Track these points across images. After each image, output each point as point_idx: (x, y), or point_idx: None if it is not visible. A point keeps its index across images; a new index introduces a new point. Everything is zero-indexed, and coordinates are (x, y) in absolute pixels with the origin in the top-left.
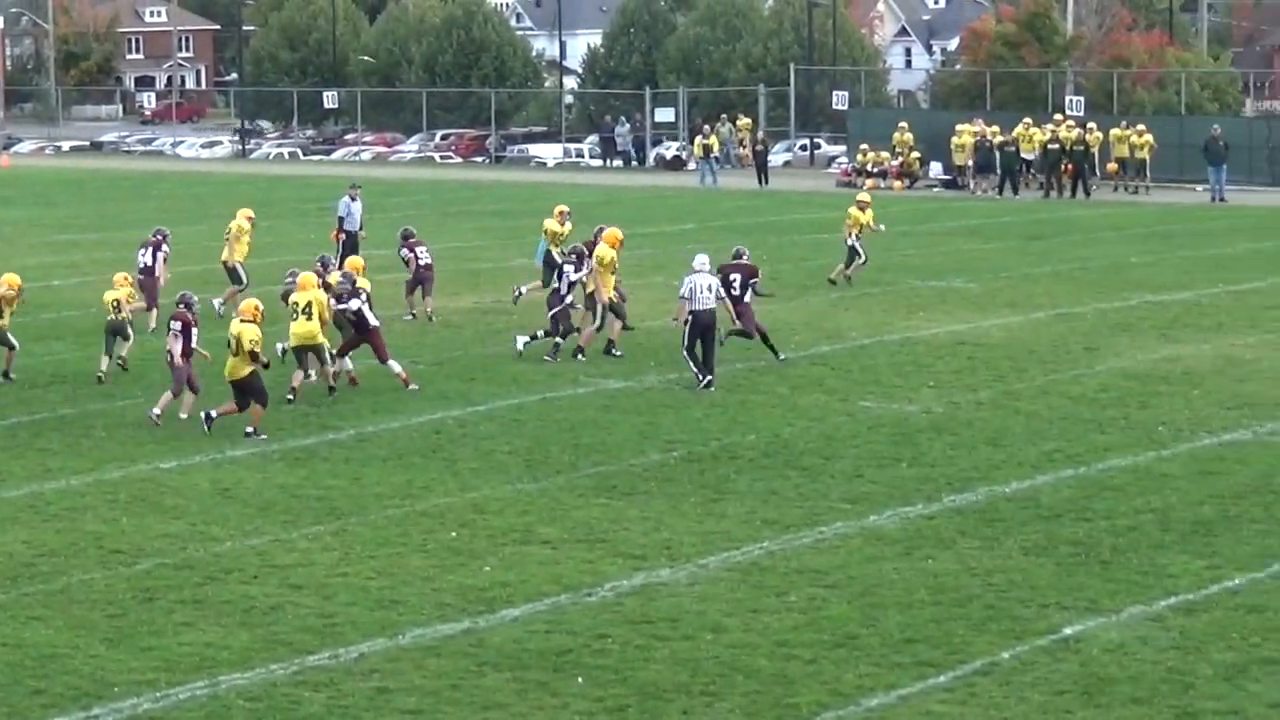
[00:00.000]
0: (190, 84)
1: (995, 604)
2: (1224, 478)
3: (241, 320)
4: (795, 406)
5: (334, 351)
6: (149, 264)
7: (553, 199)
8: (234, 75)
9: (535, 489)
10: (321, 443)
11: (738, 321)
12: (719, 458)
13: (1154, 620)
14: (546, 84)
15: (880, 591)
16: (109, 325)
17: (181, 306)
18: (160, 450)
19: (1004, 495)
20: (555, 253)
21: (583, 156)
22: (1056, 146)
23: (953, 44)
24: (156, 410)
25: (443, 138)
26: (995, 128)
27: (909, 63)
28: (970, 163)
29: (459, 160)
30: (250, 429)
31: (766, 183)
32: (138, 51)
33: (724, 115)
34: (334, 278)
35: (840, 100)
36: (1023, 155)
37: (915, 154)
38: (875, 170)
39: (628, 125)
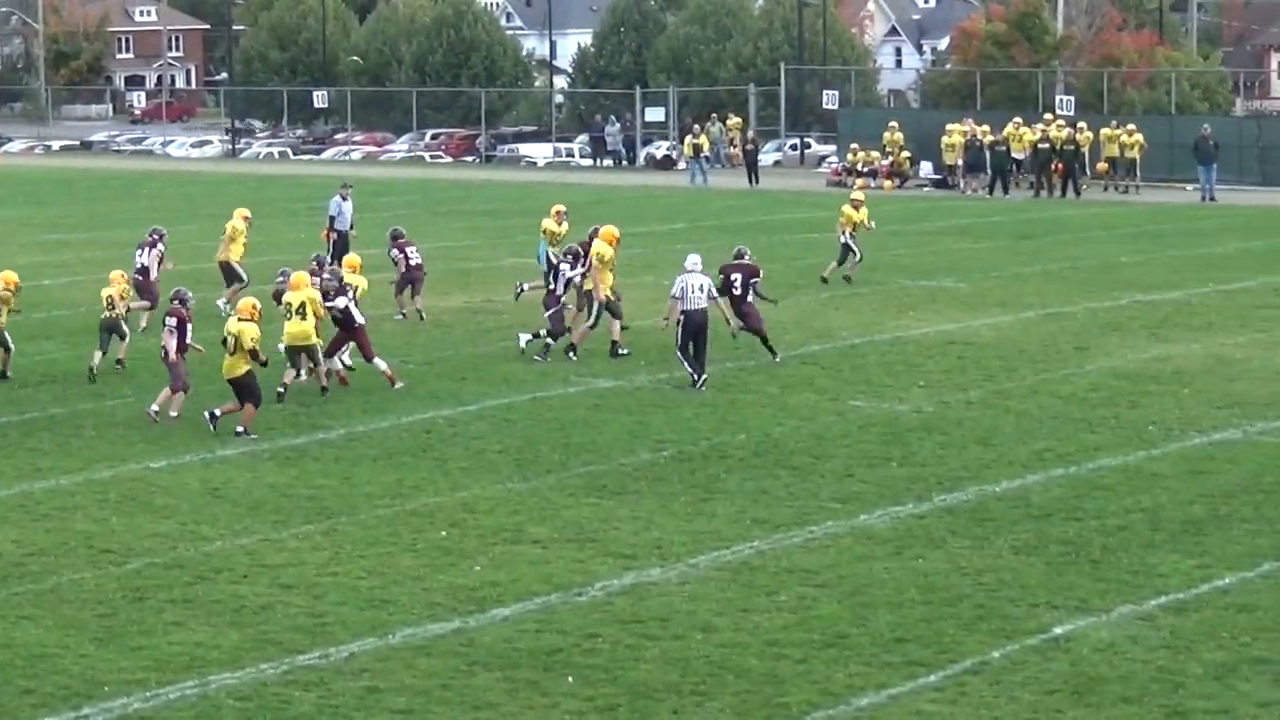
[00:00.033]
0: (180, 83)
1: (986, 603)
2: (1214, 477)
3: (240, 319)
4: (785, 406)
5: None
6: (145, 264)
7: (543, 198)
8: (224, 75)
9: (526, 488)
10: (312, 442)
11: (741, 322)
12: (709, 457)
13: (1144, 619)
14: (537, 83)
15: (870, 591)
16: (103, 322)
17: (176, 303)
18: (150, 450)
19: (994, 494)
20: (552, 253)
21: (573, 156)
22: (1047, 146)
23: (943, 43)
24: (154, 407)
25: (433, 137)
26: (985, 127)
27: (899, 62)
28: (960, 162)
29: (449, 160)
30: (240, 428)
31: (757, 182)
32: (128, 51)
33: (714, 115)
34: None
35: (830, 100)
36: (1013, 155)
37: (905, 153)
38: (865, 170)
39: (618, 125)
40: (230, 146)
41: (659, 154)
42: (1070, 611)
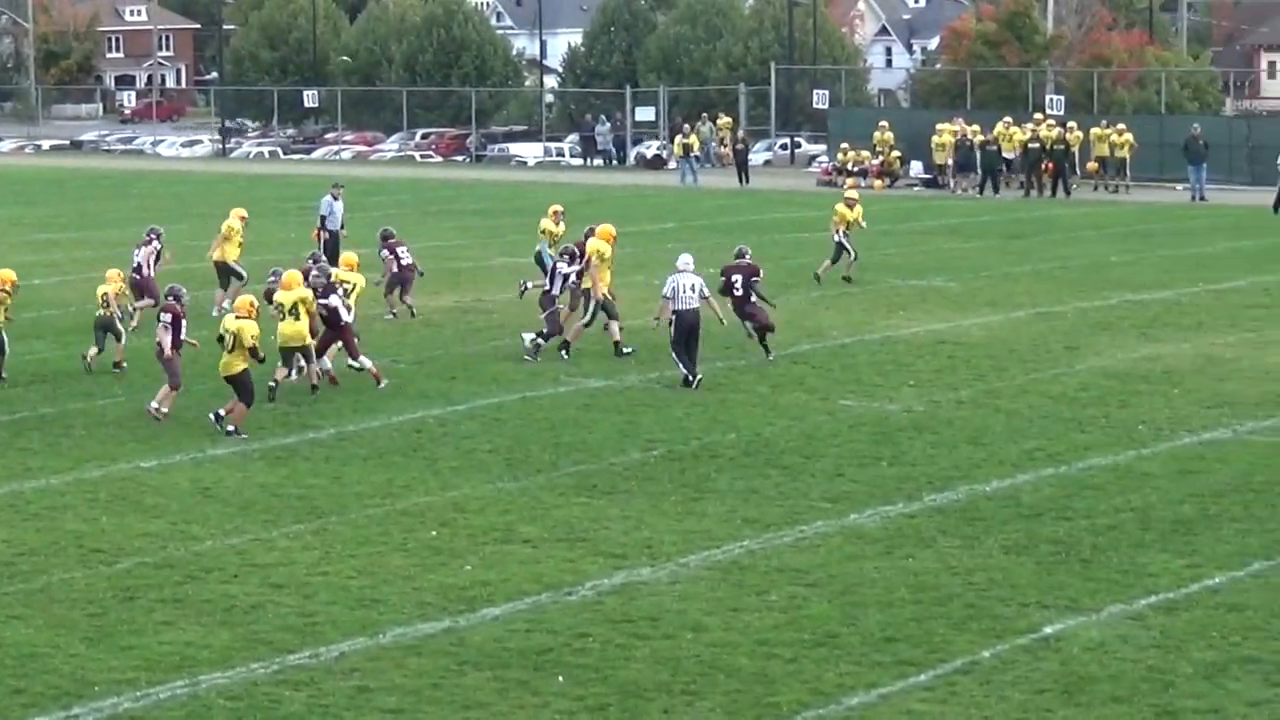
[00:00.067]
0: (170, 83)
1: (976, 603)
2: (1204, 476)
3: (238, 317)
4: (776, 405)
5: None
6: (139, 262)
7: (533, 198)
8: (214, 74)
9: (516, 488)
10: (302, 441)
11: (751, 320)
12: (699, 456)
13: (1134, 619)
14: (527, 83)
15: (861, 590)
16: (98, 320)
17: (171, 299)
18: (140, 449)
19: (984, 494)
20: (548, 253)
21: (563, 155)
22: (1037, 145)
23: (933, 43)
24: (155, 404)
25: (423, 137)
26: (975, 127)
27: (889, 62)
28: (950, 162)
29: (439, 159)
30: (231, 428)
31: (747, 182)
32: (118, 50)
33: (704, 114)
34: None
35: (821, 99)
36: (1003, 155)
37: (896, 153)
38: (856, 169)
39: (608, 124)
40: (221, 146)
41: (649, 153)
42: (1060, 611)
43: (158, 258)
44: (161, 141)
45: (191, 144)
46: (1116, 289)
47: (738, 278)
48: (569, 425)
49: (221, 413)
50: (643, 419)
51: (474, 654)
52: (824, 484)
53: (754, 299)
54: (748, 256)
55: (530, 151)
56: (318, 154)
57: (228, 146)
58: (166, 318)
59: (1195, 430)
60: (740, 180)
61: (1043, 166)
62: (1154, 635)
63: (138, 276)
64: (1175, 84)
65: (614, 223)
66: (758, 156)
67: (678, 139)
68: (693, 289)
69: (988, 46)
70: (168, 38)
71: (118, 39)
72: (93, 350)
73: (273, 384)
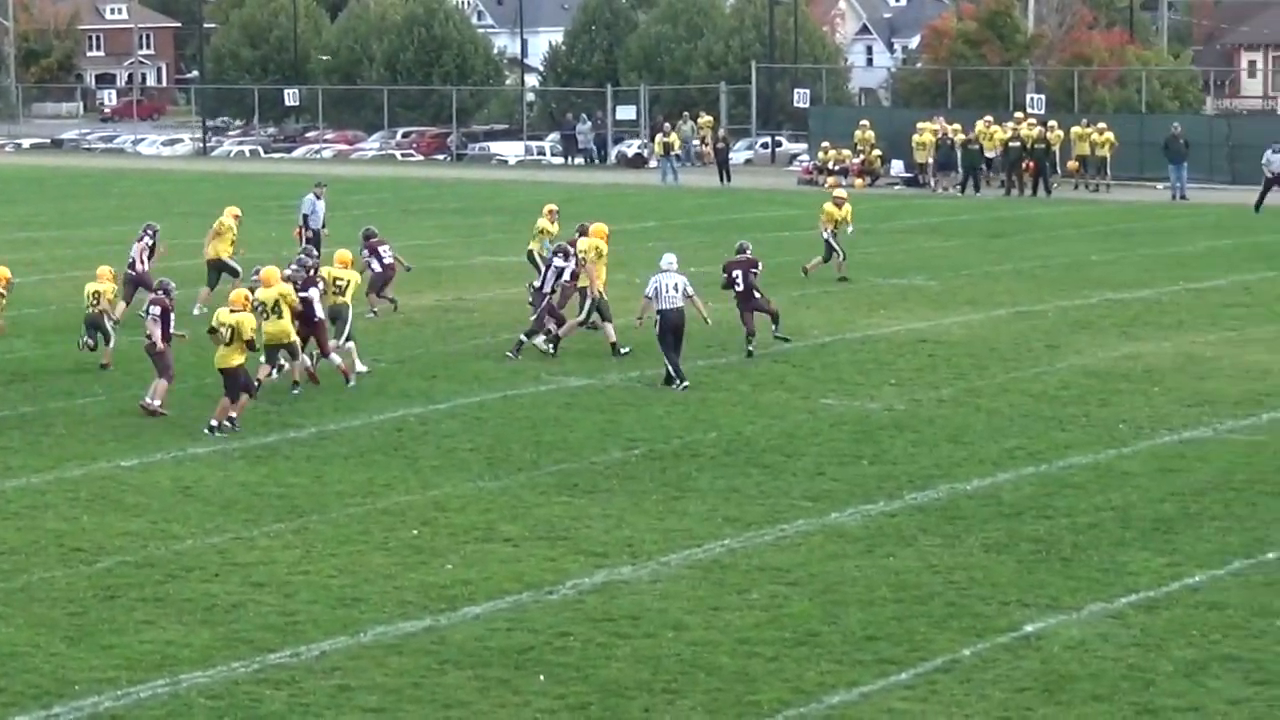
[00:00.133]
0: (151, 81)
1: (956, 601)
2: (1184, 475)
3: (233, 310)
4: (757, 404)
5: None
6: (133, 258)
7: (514, 197)
8: (195, 73)
9: (497, 487)
10: (283, 440)
11: (745, 329)
12: (680, 455)
13: (1115, 617)
14: (508, 82)
15: (842, 589)
16: (88, 318)
17: (160, 292)
18: (121, 448)
19: (965, 493)
20: (538, 253)
21: (544, 154)
22: (1018, 144)
23: (914, 42)
24: (156, 402)
25: (404, 135)
26: (956, 126)
27: (870, 61)
28: (931, 161)
29: (420, 158)
30: (215, 422)
31: (728, 180)
32: (98, 49)
33: (685, 113)
34: (326, 272)
35: (802, 98)
36: (984, 153)
37: (876, 152)
38: (836, 168)
39: (589, 123)
40: (201, 144)
41: (630, 152)
42: (1041, 609)
43: (151, 253)
44: (142, 140)
45: (172, 143)
46: (1097, 288)
47: (738, 273)
48: (550, 424)
49: (232, 414)
50: (624, 418)
51: (455, 653)
52: (805, 483)
53: (756, 293)
54: (749, 251)
55: (511, 150)
56: (298, 153)
57: (208, 145)
58: (155, 310)
59: (1176, 429)
60: (721, 179)
61: (1023, 165)
62: (1134, 634)
63: (132, 272)
64: (1156, 83)
65: (595, 221)
66: (739, 155)
67: (659, 138)
68: (676, 288)
69: (968, 45)
70: (148, 36)
71: (98, 37)
72: (87, 340)
73: (256, 382)
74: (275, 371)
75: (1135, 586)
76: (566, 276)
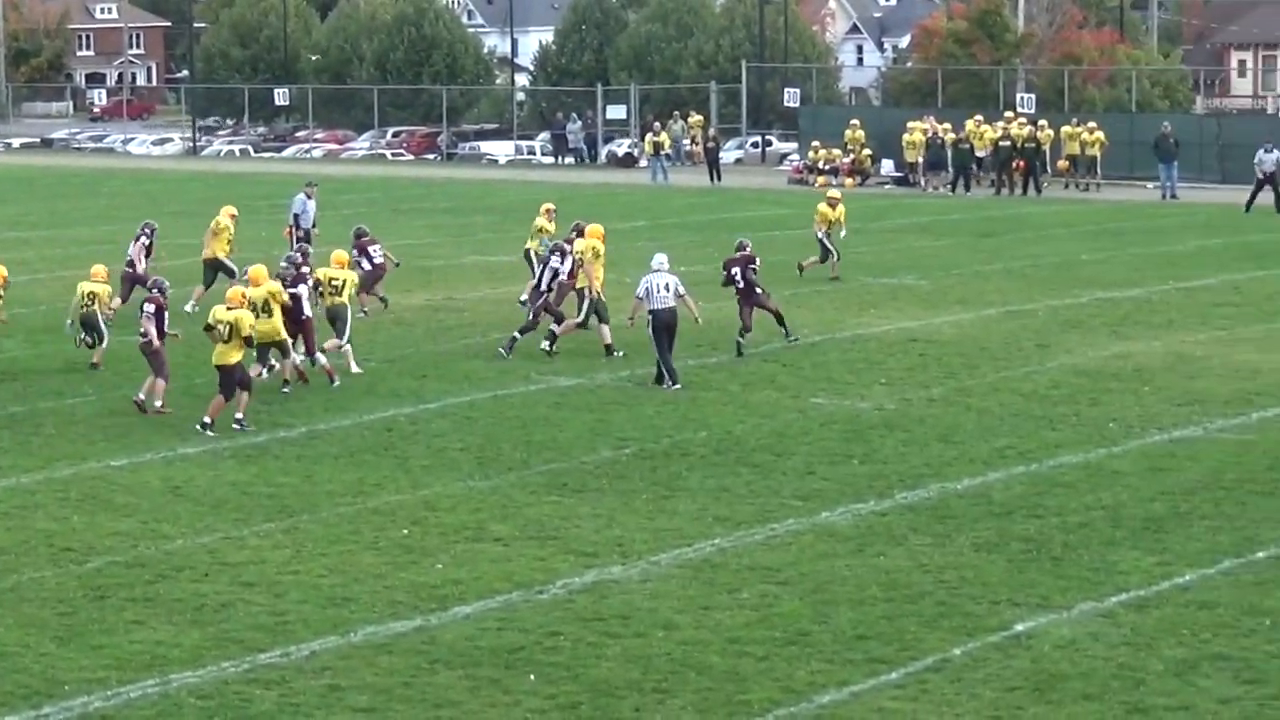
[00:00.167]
0: (141, 81)
1: (947, 601)
2: (1174, 474)
3: (229, 308)
4: (747, 403)
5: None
6: (131, 257)
7: (504, 196)
8: (185, 72)
9: (487, 486)
10: (273, 440)
11: (745, 319)
12: (670, 455)
13: (1105, 616)
14: (498, 81)
15: (832, 588)
16: (81, 317)
17: (155, 290)
18: (111, 448)
19: (955, 492)
20: (535, 251)
21: (534, 154)
22: (1008, 144)
23: (904, 41)
24: (158, 403)
25: (394, 135)
26: (947, 125)
27: (860, 60)
28: (921, 160)
29: (410, 157)
30: (207, 419)
31: (718, 180)
32: (88, 48)
33: (676, 112)
34: (322, 273)
35: (792, 97)
36: (975, 153)
37: (867, 151)
38: (827, 167)
39: (579, 122)
40: (191, 144)
41: (620, 152)
42: (1031, 609)
43: (149, 252)
44: (132, 140)
45: (162, 142)
46: (1087, 287)
47: (736, 270)
48: (540, 423)
49: (239, 415)
50: (614, 417)
51: (445, 652)
52: (795, 482)
53: (758, 289)
54: (748, 248)
55: (501, 150)
56: (288, 152)
57: (198, 145)
58: (150, 308)
59: (1166, 428)
60: (711, 178)
61: (1014, 165)
62: (1125, 633)
63: (130, 270)
64: (1146, 82)
65: (585, 221)
66: (729, 154)
67: (649, 137)
68: (667, 288)
69: (959, 45)
70: (138, 36)
71: (88, 37)
72: (85, 338)
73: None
74: (266, 371)
75: (1125, 585)
76: (563, 276)
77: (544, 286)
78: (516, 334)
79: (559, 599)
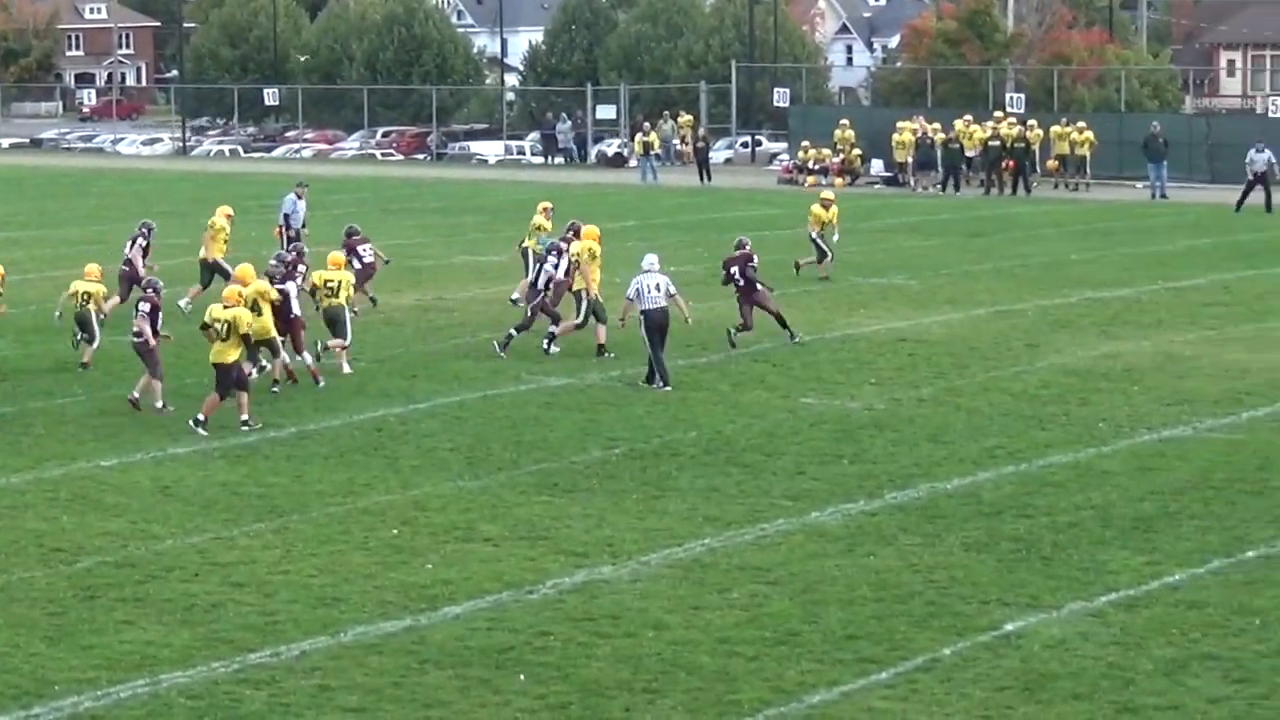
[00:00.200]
0: (130, 81)
1: (937, 600)
2: (1164, 474)
3: (226, 306)
4: (737, 403)
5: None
6: (129, 257)
7: (494, 196)
8: (174, 72)
9: (477, 486)
10: (263, 440)
11: (745, 317)
12: (660, 455)
13: (1095, 616)
14: (488, 81)
15: (822, 588)
16: (76, 317)
17: (150, 290)
18: (101, 448)
19: (945, 492)
20: (533, 250)
21: (524, 154)
22: (997, 144)
23: (894, 41)
24: (158, 403)
25: (384, 135)
26: (936, 125)
27: (850, 60)
28: (911, 160)
29: (400, 157)
30: (201, 416)
31: (708, 180)
32: (78, 48)
33: (665, 112)
34: (318, 276)
35: (781, 97)
36: (964, 152)
37: (856, 151)
38: (816, 167)
39: (569, 122)
40: (181, 144)
41: (610, 151)
42: (1021, 608)
43: (146, 252)
44: (122, 140)
45: (152, 142)
46: (1077, 287)
47: (736, 268)
48: (530, 423)
49: (244, 416)
50: (604, 417)
51: (435, 652)
52: (785, 482)
53: (758, 287)
54: (747, 247)
55: (491, 150)
56: (278, 152)
57: (188, 145)
58: (145, 307)
59: (1155, 428)
60: (701, 178)
61: (1003, 164)
62: (1114, 632)
63: (126, 268)
64: (1135, 82)
65: (580, 221)
66: (719, 154)
67: (638, 137)
68: (658, 288)
69: (948, 45)
70: (128, 36)
71: (77, 37)
72: (84, 336)
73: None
74: (256, 371)
75: (1115, 585)
76: (560, 275)
77: (540, 286)
78: (513, 330)
79: (549, 599)
